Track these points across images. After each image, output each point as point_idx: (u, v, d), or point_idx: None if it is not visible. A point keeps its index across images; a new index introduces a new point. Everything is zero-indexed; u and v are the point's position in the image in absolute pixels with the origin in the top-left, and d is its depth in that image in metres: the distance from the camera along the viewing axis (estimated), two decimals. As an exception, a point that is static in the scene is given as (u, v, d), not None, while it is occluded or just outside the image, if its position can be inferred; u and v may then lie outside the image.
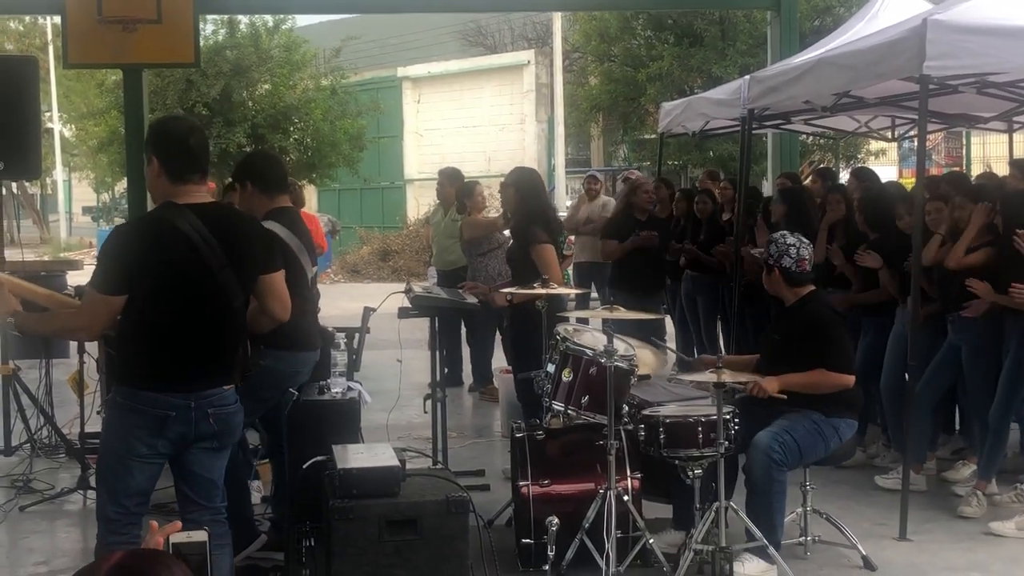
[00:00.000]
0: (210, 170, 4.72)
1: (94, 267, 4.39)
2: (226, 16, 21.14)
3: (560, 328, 6.07)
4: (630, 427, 5.73)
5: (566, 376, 5.74)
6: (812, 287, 6.00)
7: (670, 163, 22.56)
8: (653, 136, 22.85)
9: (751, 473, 5.66)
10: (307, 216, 10.35)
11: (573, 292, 7.46)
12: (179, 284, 4.30)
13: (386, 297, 6.99)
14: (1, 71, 8.44)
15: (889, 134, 11.23)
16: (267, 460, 6.51)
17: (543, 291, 6.27)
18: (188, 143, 4.40)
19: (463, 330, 10.80)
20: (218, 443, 4.49)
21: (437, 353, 7.14)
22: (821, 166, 21.23)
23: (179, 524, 2.58)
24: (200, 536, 2.56)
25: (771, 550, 5.45)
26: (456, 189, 10.69)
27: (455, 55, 36.38)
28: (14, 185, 31.44)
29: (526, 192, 7.32)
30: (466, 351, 10.98)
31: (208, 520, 4.42)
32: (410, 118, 32.24)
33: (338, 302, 10.97)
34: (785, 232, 6.18)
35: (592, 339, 5.93)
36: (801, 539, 5.96)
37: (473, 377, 10.87)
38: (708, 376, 5.35)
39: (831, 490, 6.95)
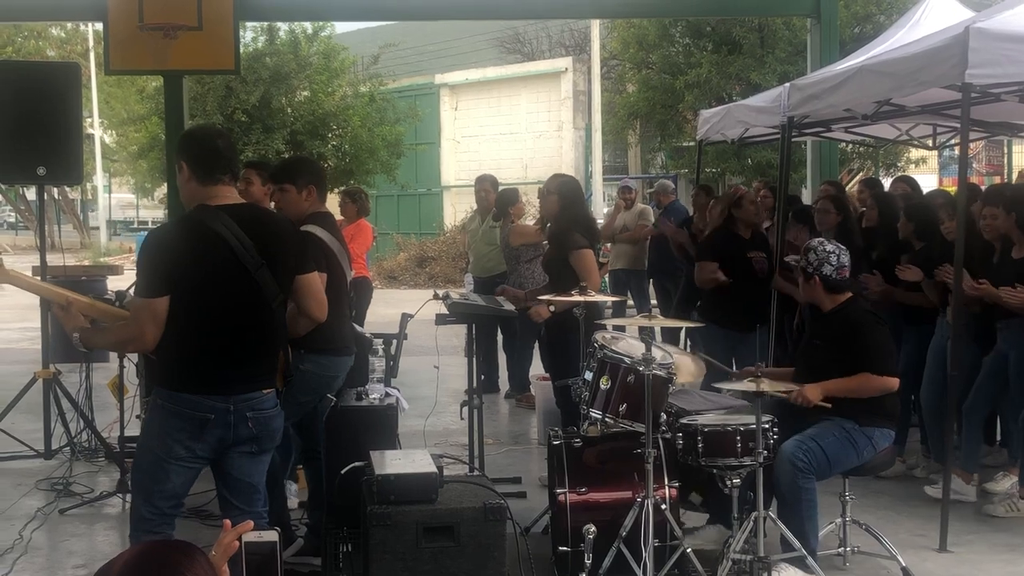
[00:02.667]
0: (238, 171, 4.74)
1: (135, 276, 4.45)
2: (266, 23, 21.26)
3: (598, 335, 6.06)
4: (668, 436, 5.70)
5: (604, 384, 5.73)
6: (850, 293, 5.98)
7: (708, 170, 22.47)
8: (691, 143, 22.77)
9: (778, 482, 5.64)
10: (363, 226, 10.42)
11: (611, 299, 7.44)
12: (217, 284, 4.32)
13: (423, 303, 7.01)
14: (44, 77, 8.55)
15: (930, 142, 11.13)
16: (300, 465, 6.53)
17: (580, 298, 6.26)
18: (216, 143, 4.48)
19: (499, 337, 10.81)
20: (257, 447, 4.51)
21: (474, 360, 7.15)
22: (861, 175, 21.13)
23: (251, 524, 2.61)
24: (271, 536, 2.59)
25: (809, 560, 5.41)
26: (497, 196, 10.71)
27: (493, 62, 36.45)
28: (55, 190, 31.74)
29: (568, 200, 7.33)
30: (502, 358, 10.98)
31: None
32: (447, 125, 32.29)
33: (375, 308, 10.98)
34: (822, 239, 6.16)
35: (629, 347, 5.92)
36: (840, 550, 5.91)
37: (509, 384, 10.88)
38: (747, 385, 5.32)
39: (870, 500, 6.90)
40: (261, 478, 4.61)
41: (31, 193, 37.88)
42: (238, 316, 4.37)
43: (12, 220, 55.19)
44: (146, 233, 4.88)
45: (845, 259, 5.90)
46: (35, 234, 41.79)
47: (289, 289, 4.57)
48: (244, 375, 4.41)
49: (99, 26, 13.56)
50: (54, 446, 8.35)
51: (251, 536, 2.56)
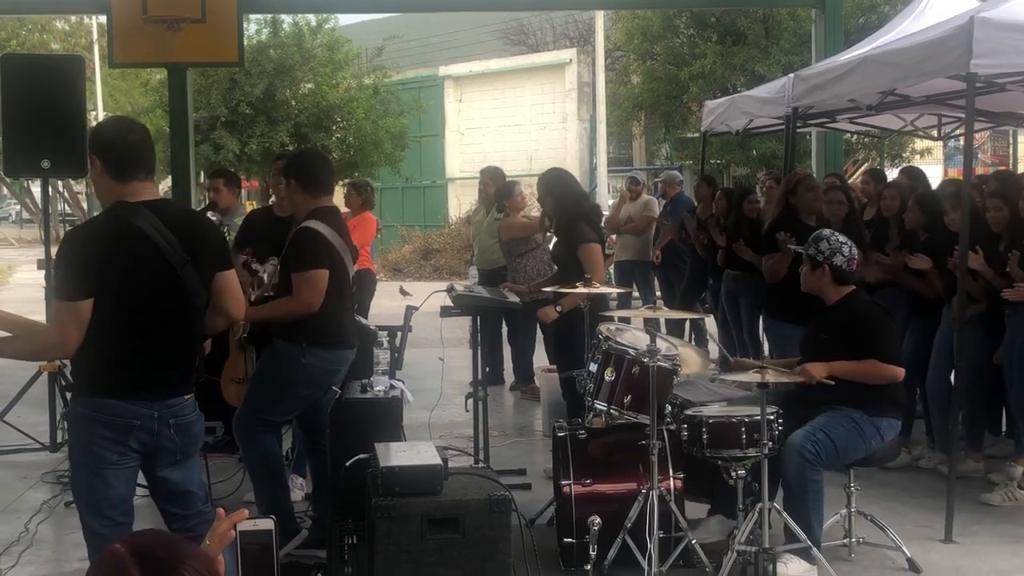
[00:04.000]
0: (153, 163, 4.47)
1: (56, 278, 4.21)
2: (270, 16, 21.24)
3: (602, 327, 6.06)
4: (672, 427, 5.70)
5: (608, 375, 5.73)
6: (854, 286, 5.97)
7: (712, 162, 22.45)
8: (695, 135, 22.74)
9: (785, 473, 5.63)
10: (368, 218, 10.40)
11: (615, 291, 7.44)
12: (142, 283, 4.15)
13: (428, 296, 7.00)
14: (48, 70, 8.56)
15: (935, 132, 11.12)
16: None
17: (585, 291, 6.26)
18: (128, 140, 4.25)
19: (504, 329, 10.81)
20: (182, 455, 4.37)
21: (478, 352, 7.14)
22: (866, 165, 21.10)
23: (246, 512, 2.57)
24: (266, 524, 2.57)
25: (814, 551, 5.41)
26: (496, 189, 10.70)
27: (497, 54, 36.38)
28: (60, 184, 31.75)
29: (560, 194, 7.33)
30: (507, 350, 10.98)
31: (196, 524, 4.33)
32: (452, 117, 32.26)
33: (380, 300, 10.97)
34: (830, 230, 6.15)
35: (634, 338, 5.92)
36: (845, 540, 5.91)
37: (514, 376, 10.88)
38: (752, 376, 5.32)
39: (876, 491, 6.89)
40: (195, 481, 4.48)
41: (36, 186, 37.93)
42: (164, 317, 4.21)
43: (19, 214, 55.25)
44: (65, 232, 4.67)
45: (855, 252, 5.91)
46: (40, 227, 41.82)
47: (209, 286, 4.39)
48: (168, 380, 4.26)
49: (103, 19, 13.55)
50: (59, 439, 8.36)
51: (247, 525, 2.54)
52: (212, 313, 4.49)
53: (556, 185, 7.40)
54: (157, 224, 4.18)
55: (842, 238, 5.92)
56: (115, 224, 4.20)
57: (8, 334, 4.38)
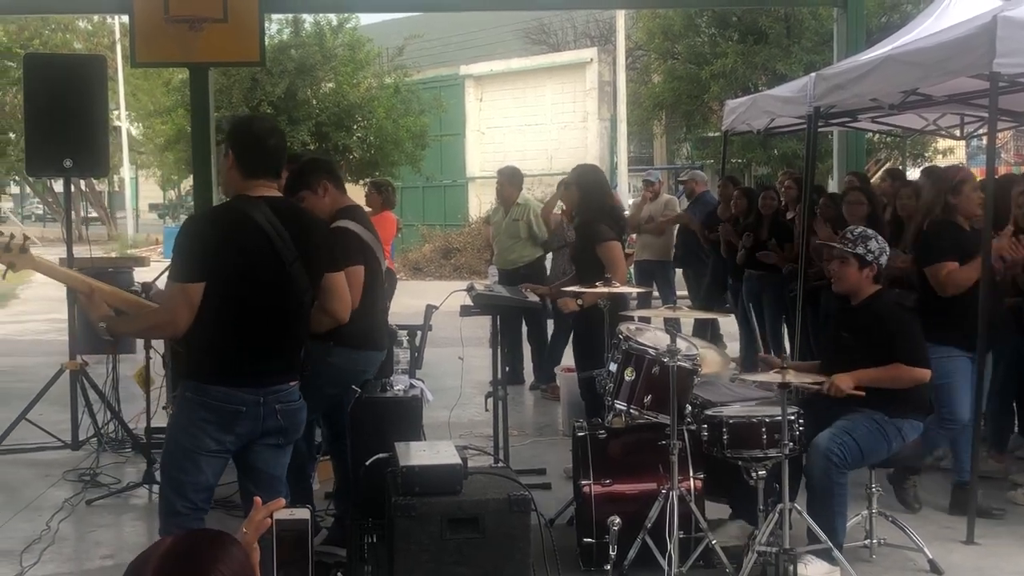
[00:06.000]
0: (282, 169, 4.73)
1: (171, 261, 4.38)
2: (291, 15, 21.31)
3: (622, 327, 6.04)
4: (693, 427, 5.69)
5: (628, 375, 5.72)
6: (880, 286, 5.95)
7: (734, 161, 22.41)
8: (716, 134, 22.73)
9: (811, 475, 5.62)
10: (388, 217, 10.44)
11: (635, 291, 7.43)
12: (253, 274, 4.29)
13: (448, 295, 7.01)
14: (70, 70, 8.59)
15: (957, 132, 11.06)
16: (327, 457, 6.54)
17: (605, 290, 6.25)
18: (267, 143, 4.45)
19: (524, 328, 10.81)
20: (284, 439, 4.50)
21: (499, 351, 7.14)
22: (888, 164, 21.02)
23: (282, 501, 2.61)
24: (303, 514, 2.59)
25: (835, 552, 5.39)
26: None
27: (518, 53, 36.39)
28: (82, 182, 31.92)
29: (588, 189, 7.32)
30: (527, 349, 10.98)
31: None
32: (472, 116, 32.28)
33: (400, 299, 10.97)
34: (870, 229, 6.14)
35: (654, 338, 5.90)
36: (866, 542, 5.88)
37: (535, 375, 10.88)
38: (773, 376, 5.30)
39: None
40: (283, 470, 4.60)
41: (59, 185, 38.18)
42: (271, 308, 4.34)
43: (40, 212, 55.61)
44: (185, 218, 4.82)
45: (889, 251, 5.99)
46: (62, 226, 42.06)
47: (318, 285, 4.55)
48: (274, 367, 4.40)
49: (125, 19, 13.60)
50: (81, 437, 8.41)
51: (283, 514, 2.56)
52: (319, 312, 4.64)
53: (585, 178, 7.39)
54: (272, 219, 4.32)
55: (881, 238, 5.94)
56: (233, 215, 4.36)
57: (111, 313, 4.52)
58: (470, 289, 7.31)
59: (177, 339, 4.44)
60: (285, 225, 4.34)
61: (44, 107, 8.29)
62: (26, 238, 4.59)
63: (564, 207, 9.23)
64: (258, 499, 2.61)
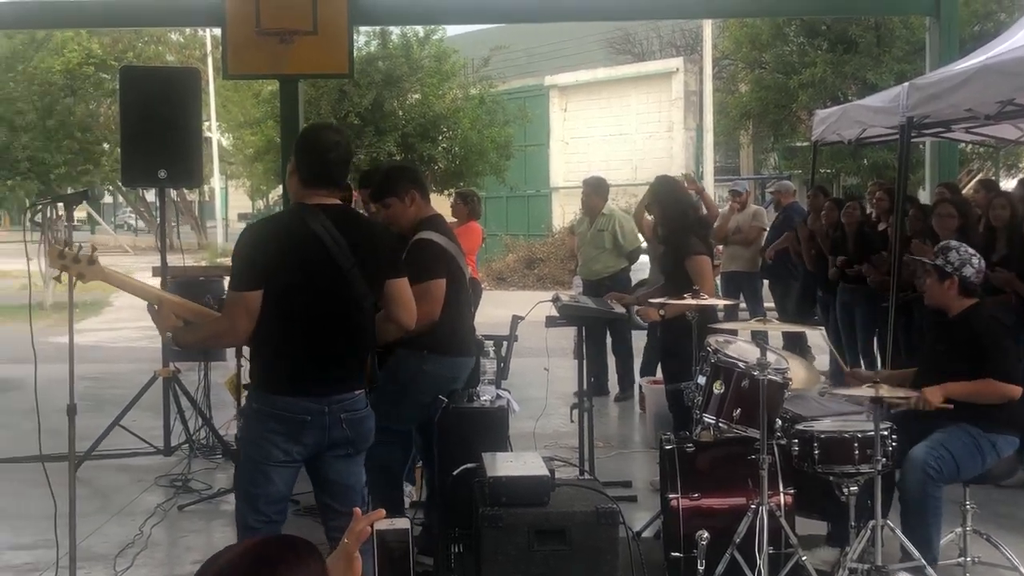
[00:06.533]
0: (344, 182, 4.72)
1: (231, 269, 4.42)
2: (378, 27, 21.49)
3: (711, 339, 5.99)
4: (783, 442, 5.62)
5: (717, 388, 5.66)
6: (976, 299, 5.83)
7: (823, 171, 22.13)
8: (804, 144, 22.46)
9: (906, 489, 5.52)
10: (473, 228, 10.46)
11: (723, 303, 7.36)
12: (311, 281, 4.31)
13: (533, 306, 7.01)
14: (165, 82, 8.75)
15: (1054, 143, 10.83)
16: (420, 465, 6.57)
17: (692, 302, 6.20)
18: (328, 155, 4.45)
19: (609, 339, 10.78)
20: (353, 449, 4.49)
21: (584, 362, 7.12)
22: (980, 175, 20.62)
23: (383, 512, 2.62)
24: (403, 524, 2.60)
25: (929, 569, 5.29)
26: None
27: (603, 63, 36.36)
28: (174, 192, 32.48)
29: (666, 202, 7.29)
30: (612, 360, 10.95)
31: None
32: (557, 126, 32.32)
33: (484, 309, 11.00)
34: (958, 242, 6.03)
35: (743, 351, 5.84)
36: (960, 559, 5.76)
37: (619, 387, 10.84)
38: (864, 391, 5.22)
39: (991, 509, 6.71)
40: (358, 479, 4.59)
41: (150, 194, 38.86)
42: (330, 315, 4.35)
43: (132, 221, 56.69)
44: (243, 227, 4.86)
45: (983, 264, 5.82)
46: (155, 235, 42.80)
47: (380, 293, 4.55)
48: (337, 376, 4.40)
49: (217, 31, 13.82)
50: (173, 443, 8.54)
51: (383, 524, 2.58)
52: (384, 321, 4.65)
53: (663, 194, 7.37)
54: (329, 227, 4.34)
55: (970, 249, 5.82)
56: (290, 222, 4.41)
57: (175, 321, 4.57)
58: (555, 300, 7.31)
59: (240, 346, 4.46)
60: (342, 233, 4.36)
61: (140, 119, 8.43)
62: (93, 249, 4.63)
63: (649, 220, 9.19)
64: (357, 510, 2.63)
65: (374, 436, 5.81)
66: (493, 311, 11.77)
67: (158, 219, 10.70)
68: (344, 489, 4.52)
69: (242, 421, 4.63)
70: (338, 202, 4.58)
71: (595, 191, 10.95)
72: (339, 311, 4.37)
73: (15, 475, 8.03)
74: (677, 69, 30.45)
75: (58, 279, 4.63)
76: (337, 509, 4.50)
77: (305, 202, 4.42)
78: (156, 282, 7.18)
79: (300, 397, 4.32)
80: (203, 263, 25.73)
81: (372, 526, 2.55)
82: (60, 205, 5.75)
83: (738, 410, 5.59)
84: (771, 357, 5.54)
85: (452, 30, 26.99)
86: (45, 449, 6.66)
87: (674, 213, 7.22)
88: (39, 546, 6.33)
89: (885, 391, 5.19)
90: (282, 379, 4.33)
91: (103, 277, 4.63)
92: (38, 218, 14.74)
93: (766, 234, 12.27)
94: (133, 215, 54.02)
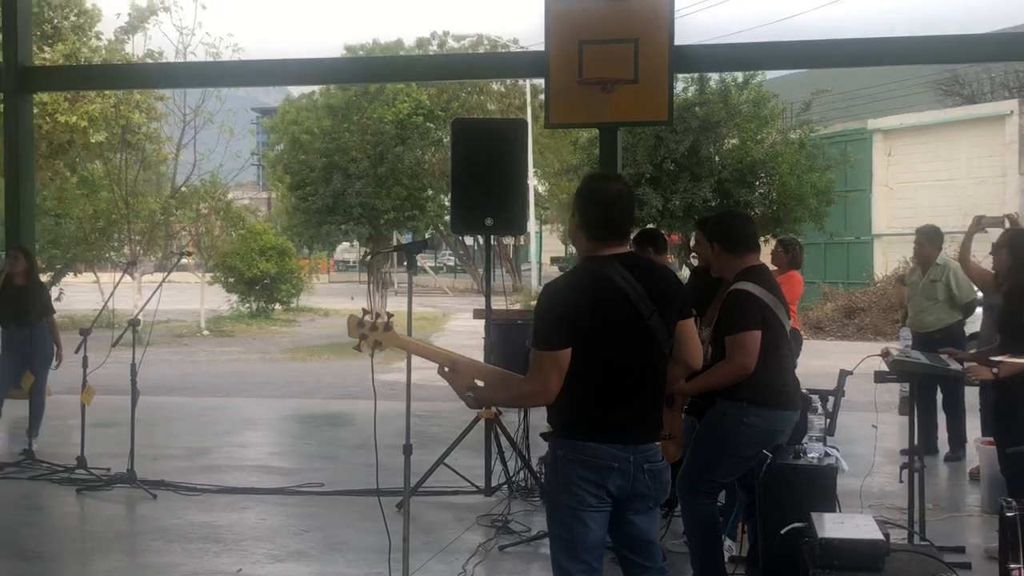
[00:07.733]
0: (629, 232, 4.65)
1: (534, 328, 4.39)
2: (697, 74, 21.53)
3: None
4: None
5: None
6: None
7: None
8: None
9: None
10: (794, 277, 10.22)
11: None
12: (617, 332, 4.31)
13: (861, 360, 6.79)
14: (494, 134, 9.03)
15: None
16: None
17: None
18: (611, 210, 4.43)
19: (939, 396, 10.28)
20: (653, 502, 4.44)
21: (914, 419, 6.81)
22: None
23: None
24: None
25: None
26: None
27: (929, 106, 35.03)
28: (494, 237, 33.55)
29: (1018, 251, 6.88)
30: (941, 418, 10.43)
31: None
32: (880, 171, 31.37)
33: (802, 359, 10.73)
34: None
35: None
36: None
37: (950, 446, 10.31)
38: None
39: None
40: (656, 533, 4.54)
41: (469, 238, 40.24)
42: (634, 364, 4.34)
43: (452, 264, 58.95)
44: (542, 286, 4.84)
45: None
46: (473, 278, 44.26)
47: (673, 335, 4.51)
48: (638, 422, 4.38)
49: (536, 80, 14.21)
50: (493, 483, 8.72)
51: None
52: (672, 362, 4.61)
53: (1018, 241, 6.97)
54: (626, 275, 4.35)
55: None
56: (589, 276, 4.41)
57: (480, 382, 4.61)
58: (885, 354, 7.04)
59: (550, 403, 4.42)
60: (638, 279, 4.35)
61: (469, 168, 8.72)
62: (389, 316, 4.70)
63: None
64: None
65: (692, 489, 5.78)
66: (811, 361, 11.45)
67: (479, 263, 11.05)
68: (648, 545, 4.48)
69: (546, 470, 4.64)
70: (627, 250, 4.56)
71: (929, 240, 10.51)
72: (642, 359, 4.37)
73: (345, 507, 8.42)
74: (1011, 112, 28.95)
75: (358, 348, 4.74)
76: (643, 565, 4.48)
77: (597, 254, 4.43)
78: (475, 324, 7.37)
79: (606, 444, 4.30)
80: (517, 305, 26.42)
81: None
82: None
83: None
84: None
85: (771, 73, 26.70)
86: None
87: None
88: (370, 578, 6.60)
89: None
90: (587, 426, 4.33)
91: (399, 344, 4.69)
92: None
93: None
94: (452, 257, 56.14)
